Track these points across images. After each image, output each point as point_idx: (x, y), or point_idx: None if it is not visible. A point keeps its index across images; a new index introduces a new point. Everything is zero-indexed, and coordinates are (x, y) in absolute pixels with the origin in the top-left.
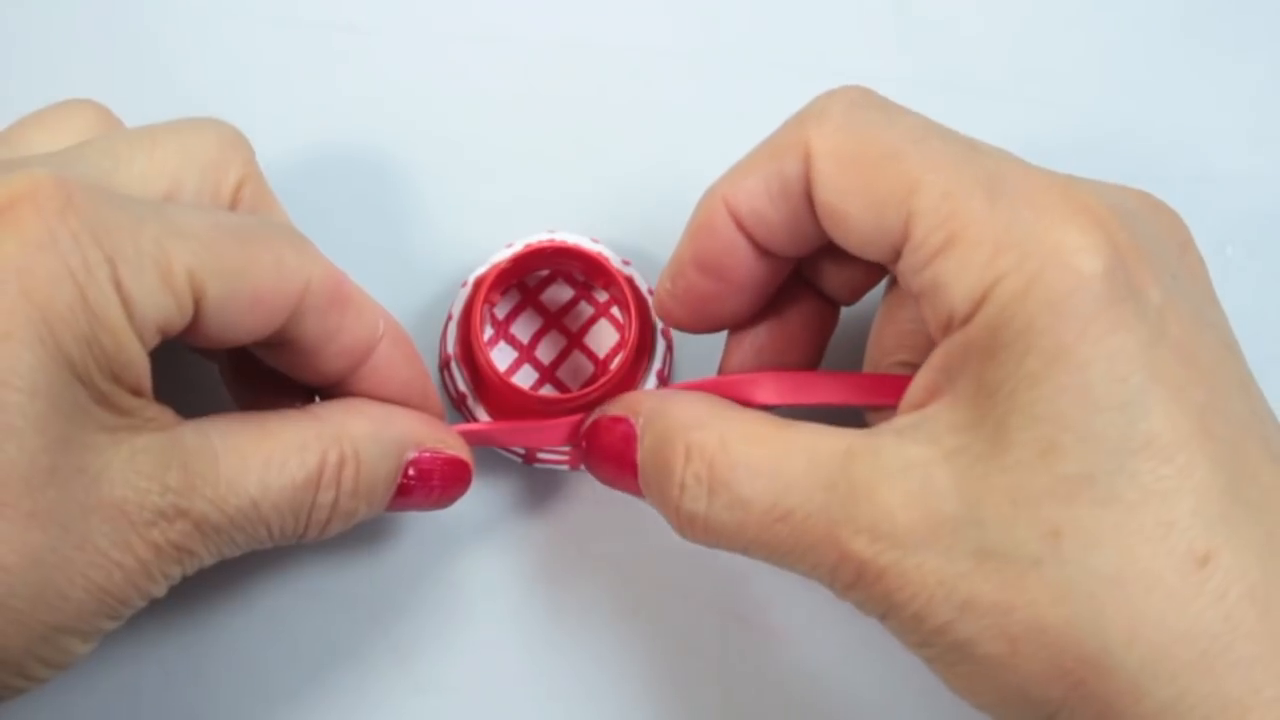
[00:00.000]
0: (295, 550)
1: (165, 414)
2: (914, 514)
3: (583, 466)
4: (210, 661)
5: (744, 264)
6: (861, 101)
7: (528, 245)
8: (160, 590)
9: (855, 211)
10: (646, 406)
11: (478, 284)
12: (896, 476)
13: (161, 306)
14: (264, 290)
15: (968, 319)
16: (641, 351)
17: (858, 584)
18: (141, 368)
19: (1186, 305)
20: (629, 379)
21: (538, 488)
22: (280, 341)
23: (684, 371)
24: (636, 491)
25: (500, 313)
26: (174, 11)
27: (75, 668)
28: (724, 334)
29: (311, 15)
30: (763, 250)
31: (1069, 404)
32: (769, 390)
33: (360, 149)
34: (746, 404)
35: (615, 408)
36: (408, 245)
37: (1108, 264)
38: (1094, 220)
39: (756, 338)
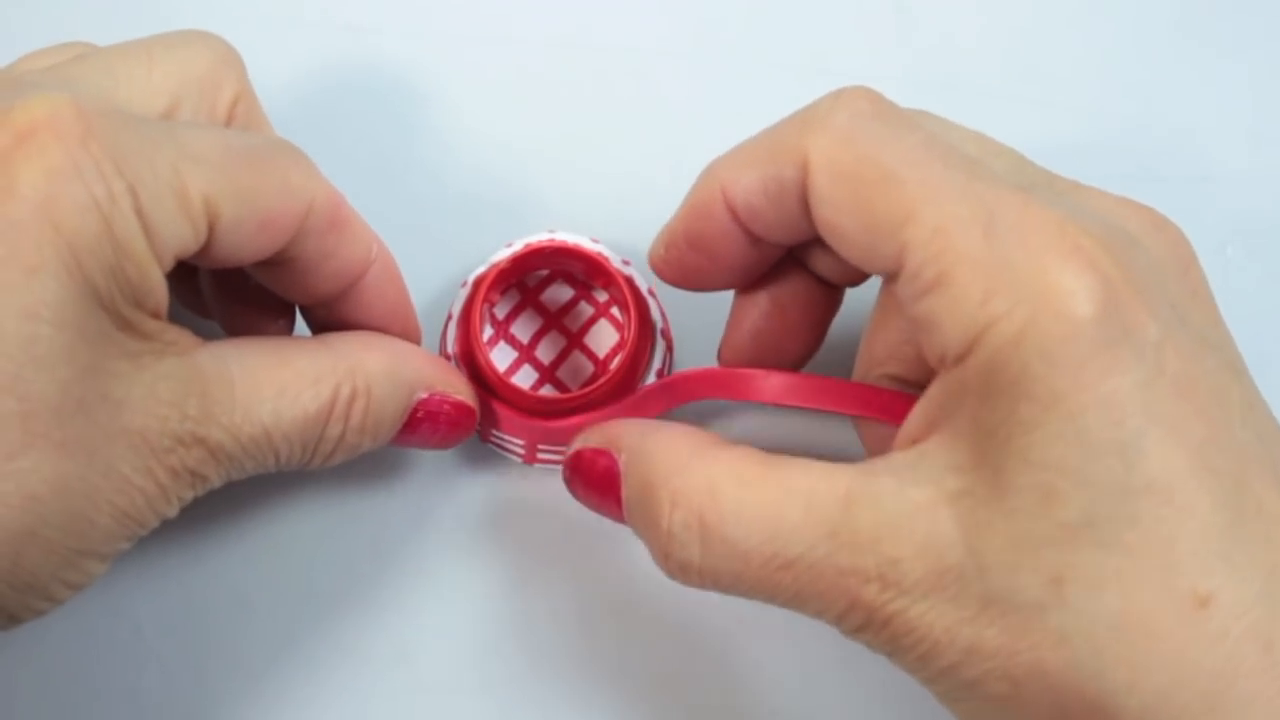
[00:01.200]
0: (296, 550)
1: (185, 336)
2: (920, 564)
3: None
4: (211, 662)
5: (735, 247)
6: (867, 111)
7: (527, 245)
8: (173, 511)
9: (850, 230)
10: (627, 443)
11: (477, 284)
12: (901, 525)
13: (180, 232)
14: (273, 213)
15: (960, 360)
16: (641, 351)
17: (866, 628)
18: (161, 293)
19: (1186, 335)
20: (629, 379)
21: (538, 488)
22: (278, 261)
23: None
24: (623, 522)
25: (500, 313)
26: (175, 12)
27: (77, 668)
28: (723, 330)
29: (311, 15)
30: (755, 238)
31: (1066, 450)
32: (770, 388)
33: (360, 148)
34: (746, 399)
35: (596, 439)
36: (408, 245)
37: (1101, 307)
38: (1087, 261)
39: (754, 323)
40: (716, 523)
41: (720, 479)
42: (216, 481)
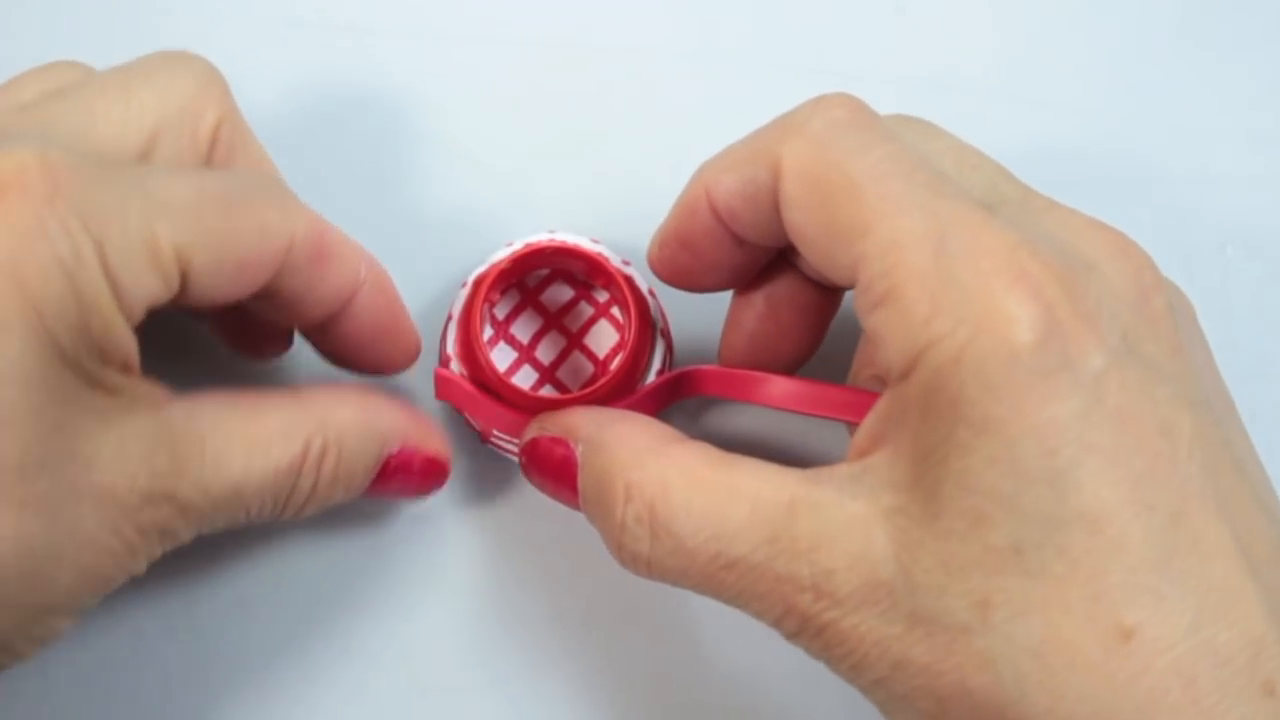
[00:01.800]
0: (296, 551)
1: (155, 391)
2: (853, 577)
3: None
4: (211, 663)
5: (721, 248)
6: (844, 120)
7: (527, 245)
8: (141, 568)
9: (814, 237)
10: (585, 433)
11: (477, 283)
12: (838, 537)
13: (149, 285)
14: (250, 255)
15: (904, 376)
16: (641, 351)
17: (801, 634)
18: (130, 346)
19: (1134, 365)
20: (629, 379)
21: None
22: (263, 295)
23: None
24: (578, 509)
25: (500, 313)
26: (174, 12)
27: (78, 670)
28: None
29: (311, 15)
30: (740, 239)
31: (998, 476)
32: (768, 392)
33: (360, 148)
34: (745, 400)
35: (553, 427)
36: (408, 245)
37: (1040, 335)
38: (1033, 288)
39: (750, 324)
40: (666, 518)
41: (672, 475)
42: (186, 537)
